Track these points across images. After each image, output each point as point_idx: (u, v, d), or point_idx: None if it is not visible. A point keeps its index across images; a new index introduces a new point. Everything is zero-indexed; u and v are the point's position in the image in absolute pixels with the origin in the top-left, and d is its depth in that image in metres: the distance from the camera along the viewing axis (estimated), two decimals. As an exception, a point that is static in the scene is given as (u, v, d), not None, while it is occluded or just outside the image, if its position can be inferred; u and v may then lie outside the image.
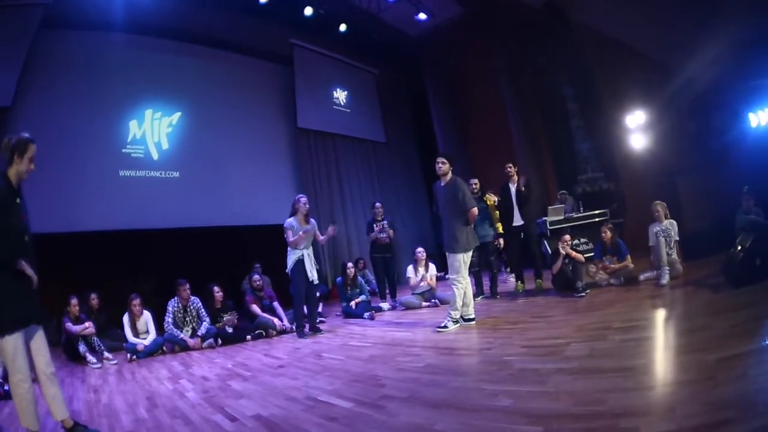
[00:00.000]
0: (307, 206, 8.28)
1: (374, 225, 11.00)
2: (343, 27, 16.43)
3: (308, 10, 15.18)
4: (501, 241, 9.79)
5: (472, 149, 17.75)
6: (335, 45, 17.04)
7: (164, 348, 8.73)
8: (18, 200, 3.93)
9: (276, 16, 15.02)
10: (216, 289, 9.39)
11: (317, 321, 9.02)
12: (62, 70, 11.52)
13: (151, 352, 8.49)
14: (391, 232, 10.83)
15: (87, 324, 8.46)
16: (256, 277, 9.86)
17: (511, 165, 9.71)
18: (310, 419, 3.72)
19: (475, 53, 17.40)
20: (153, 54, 13.14)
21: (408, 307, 9.82)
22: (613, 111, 14.25)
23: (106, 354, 8.38)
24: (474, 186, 9.57)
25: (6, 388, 5.99)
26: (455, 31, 17.27)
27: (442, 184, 7.23)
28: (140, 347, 8.41)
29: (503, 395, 3.48)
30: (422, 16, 16.25)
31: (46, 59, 11.35)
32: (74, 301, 8.61)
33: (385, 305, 10.41)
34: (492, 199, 9.85)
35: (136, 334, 8.71)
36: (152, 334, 8.79)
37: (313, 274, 8.26)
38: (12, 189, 3.90)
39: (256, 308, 9.40)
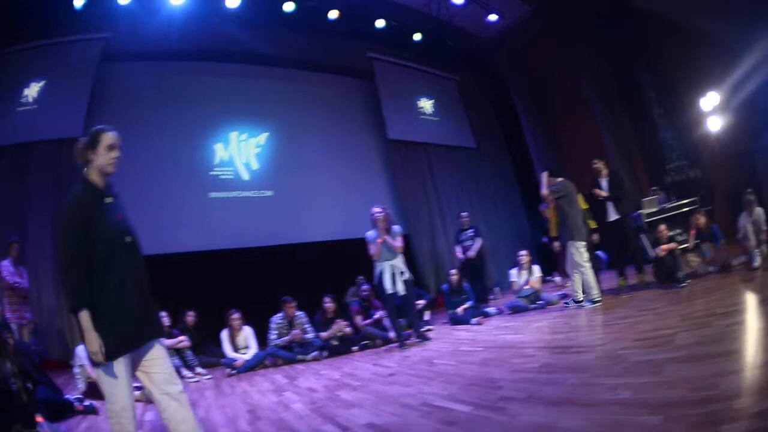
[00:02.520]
0: (378, 215, 8.11)
1: (461, 235, 11.90)
2: (417, 36, 16.32)
3: (380, 23, 15.27)
4: (596, 236, 9.45)
5: (562, 146, 17.27)
6: (412, 55, 16.94)
7: (266, 362, 8.58)
8: (108, 199, 3.30)
9: (350, 32, 15.16)
10: (326, 299, 9.34)
11: (424, 329, 8.89)
12: (133, 99, 11.96)
13: (252, 366, 8.35)
14: (478, 243, 11.51)
15: (181, 338, 8.48)
16: (366, 287, 9.77)
17: (598, 160, 9.70)
18: (428, 425, 3.55)
19: (549, 50, 16.82)
20: (227, 79, 13.51)
21: (515, 311, 9.58)
22: (688, 95, 13.81)
23: (198, 369, 8.39)
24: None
25: (87, 403, 6.00)
26: (527, 29, 16.57)
27: None
28: (239, 362, 8.34)
29: (622, 388, 3.40)
30: (493, 17, 15.86)
31: (115, 90, 11.87)
32: (163, 314, 8.51)
33: (491, 310, 10.20)
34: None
35: (235, 349, 8.67)
36: (253, 349, 8.68)
37: (396, 286, 8.05)
38: (95, 191, 3.26)
39: (360, 319, 9.34)
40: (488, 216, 16.84)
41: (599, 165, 9.62)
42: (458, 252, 12.02)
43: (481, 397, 4.04)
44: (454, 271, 10.37)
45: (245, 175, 13.32)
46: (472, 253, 11.62)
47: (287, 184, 13.72)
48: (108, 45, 11.88)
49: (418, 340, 8.20)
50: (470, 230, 11.84)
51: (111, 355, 3.03)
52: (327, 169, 14.44)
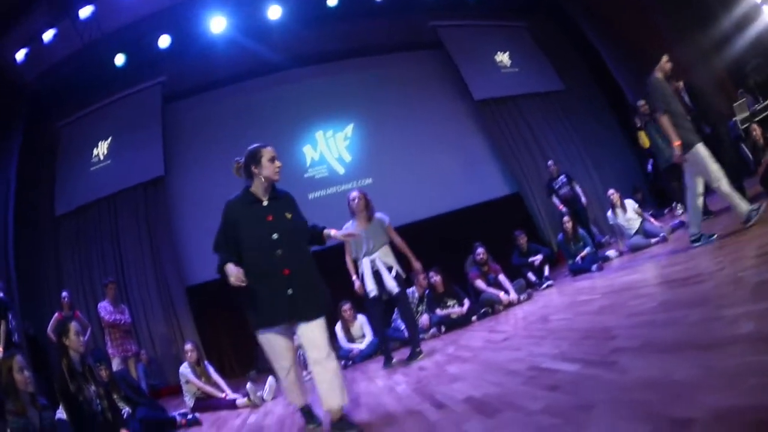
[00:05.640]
0: (356, 202, 6.58)
1: (553, 184, 11.55)
2: (470, -9, 15.49)
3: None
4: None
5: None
6: (472, 12, 16.30)
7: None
8: (264, 203, 3.94)
9: (402, 7, 15.02)
10: (432, 274, 8.76)
11: (544, 286, 9.06)
12: (211, 130, 12.94)
13: (368, 354, 8.34)
14: (577, 188, 11.23)
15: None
16: (480, 250, 9.15)
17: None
18: (529, 392, 3.20)
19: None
20: (297, 84, 13.88)
21: (635, 249, 8.81)
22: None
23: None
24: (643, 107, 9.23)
25: (190, 416, 6.40)
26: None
27: None
28: (355, 352, 8.40)
29: (743, 319, 2.84)
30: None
31: (190, 125, 12.95)
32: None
33: (611, 253, 9.47)
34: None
35: (351, 339, 8.74)
36: (368, 337, 8.67)
37: (386, 286, 6.52)
38: (249, 198, 3.95)
39: (480, 283, 8.81)
40: (594, 156, 15.90)
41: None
42: (558, 204, 11.38)
43: (593, 351, 3.61)
44: (566, 219, 9.79)
45: (340, 170, 13.59)
46: (584, 199, 11.14)
47: (384, 167, 13.72)
48: (167, 86, 12.95)
49: (410, 359, 6.44)
50: (561, 176, 11.28)
51: (255, 327, 3.87)
52: (421, 145, 14.28)
